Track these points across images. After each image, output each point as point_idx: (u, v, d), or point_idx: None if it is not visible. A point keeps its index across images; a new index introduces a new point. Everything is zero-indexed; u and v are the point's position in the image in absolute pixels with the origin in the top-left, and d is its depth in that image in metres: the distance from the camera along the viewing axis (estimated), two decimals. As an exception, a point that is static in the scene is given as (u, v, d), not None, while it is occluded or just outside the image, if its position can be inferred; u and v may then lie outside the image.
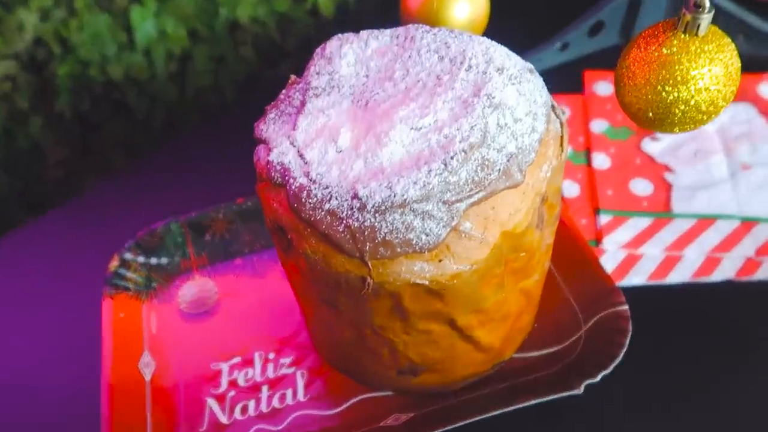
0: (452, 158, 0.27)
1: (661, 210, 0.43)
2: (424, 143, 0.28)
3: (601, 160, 0.46)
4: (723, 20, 0.50)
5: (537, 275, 0.34)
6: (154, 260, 0.43)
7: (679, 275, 0.40)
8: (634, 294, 0.40)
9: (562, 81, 0.52)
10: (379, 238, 0.27)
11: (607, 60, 0.54)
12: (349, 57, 0.33)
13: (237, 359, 0.39)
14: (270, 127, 0.32)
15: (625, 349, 0.35)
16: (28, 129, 0.67)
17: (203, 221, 0.44)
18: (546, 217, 0.33)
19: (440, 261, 0.28)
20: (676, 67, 0.29)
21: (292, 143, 0.30)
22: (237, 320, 0.41)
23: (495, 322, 0.33)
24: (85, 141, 0.70)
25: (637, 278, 0.40)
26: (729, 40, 0.30)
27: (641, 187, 0.44)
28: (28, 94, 0.66)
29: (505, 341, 0.35)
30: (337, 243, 0.28)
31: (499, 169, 0.28)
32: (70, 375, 0.40)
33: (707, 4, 0.29)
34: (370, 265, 0.28)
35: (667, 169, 0.45)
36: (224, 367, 0.39)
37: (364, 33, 0.34)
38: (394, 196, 0.27)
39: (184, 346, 0.40)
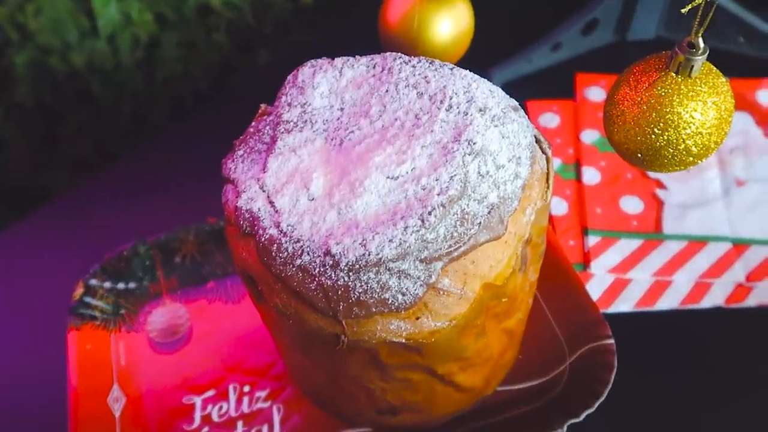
0: (430, 213, 0.27)
1: (651, 230, 0.43)
2: (400, 194, 0.28)
3: (590, 175, 0.46)
4: (723, 21, 0.50)
5: (520, 314, 0.35)
6: (121, 285, 0.43)
7: (668, 302, 0.41)
8: (621, 322, 0.40)
9: (554, 84, 0.52)
10: (353, 298, 0.27)
11: (601, 60, 0.53)
12: (323, 87, 0.32)
13: (211, 392, 0.39)
14: (238, 167, 0.31)
15: (610, 386, 0.36)
16: (-13, 120, 0.66)
17: (173, 242, 0.44)
18: (530, 257, 0.33)
19: (417, 319, 0.28)
20: (667, 109, 0.29)
21: (261, 188, 0.30)
22: (210, 349, 0.41)
23: (476, 366, 0.33)
24: (48, 133, 0.69)
25: (624, 305, 0.41)
26: (724, 79, 0.30)
27: (632, 204, 0.44)
28: (-16, 84, 0.64)
29: (488, 380, 0.36)
30: (310, 301, 0.28)
31: (480, 222, 0.28)
32: (36, 411, 0.40)
33: (702, 45, 0.29)
34: (344, 324, 0.28)
35: (659, 184, 0.45)
36: (197, 401, 0.39)
37: (338, 61, 0.33)
38: (369, 254, 0.27)
39: (155, 379, 0.40)
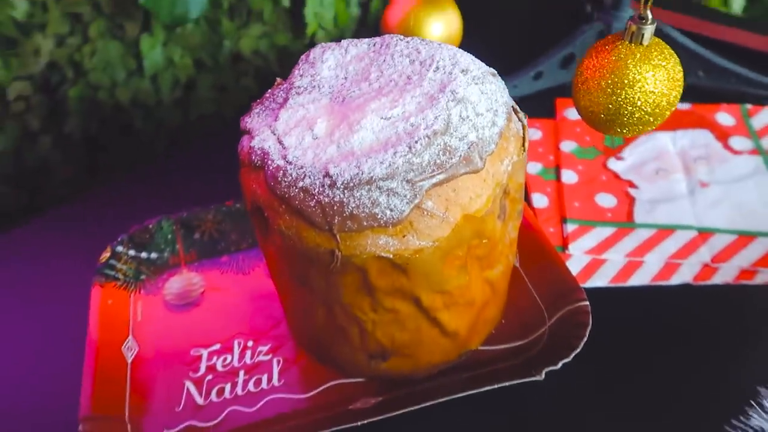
0: (416, 142, 0.29)
1: (624, 220, 0.45)
2: (392, 130, 0.30)
3: (569, 176, 0.48)
4: (685, 57, 0.53)
5: (501, 266, 0.36)
6: (144, 254, 0.44)
7: (640, 279, 0.41)
8: (597, 295, 0.41)
9: (537, 107, 0.55)
10: (347, 213, 0.29)
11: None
12: (330, 62, 0.35)
13: (217, 346, 0.40)
14: (254, 120, 0.34)
15: (584, 340, 0.36)
16: (38, 148, 0.70)
17: (194, 220, 0.46)
18: (508, 210, 0.34)
19: (404, 236, 0.30)
20: (624, 71, 0.32)
21: (272, 132, 0.32)
22: (219, 312, 0.42)
23: (459, 306, 0.34)
24: (91, 161, 0.73)
25: (600, 281, 0.42)
26: (671, 51, 0.32)
27: (606, 200, 0.46)
28: (40, 115, 0.69)
29: (471, 330, 0.36)
30: (309, 217, 0.30)
31: (460, 155, 0.30)
32: (56, 356, 0.40)
33: (650, 16, 0.32)
34: (338, 237, 0.29)
35: (631, 185, 0.47)
36: (204, 352, 0.40)
37: (344, 42, 0.36)
38: (362, 173, 0.29)
39: (167, 334, 0.41)
